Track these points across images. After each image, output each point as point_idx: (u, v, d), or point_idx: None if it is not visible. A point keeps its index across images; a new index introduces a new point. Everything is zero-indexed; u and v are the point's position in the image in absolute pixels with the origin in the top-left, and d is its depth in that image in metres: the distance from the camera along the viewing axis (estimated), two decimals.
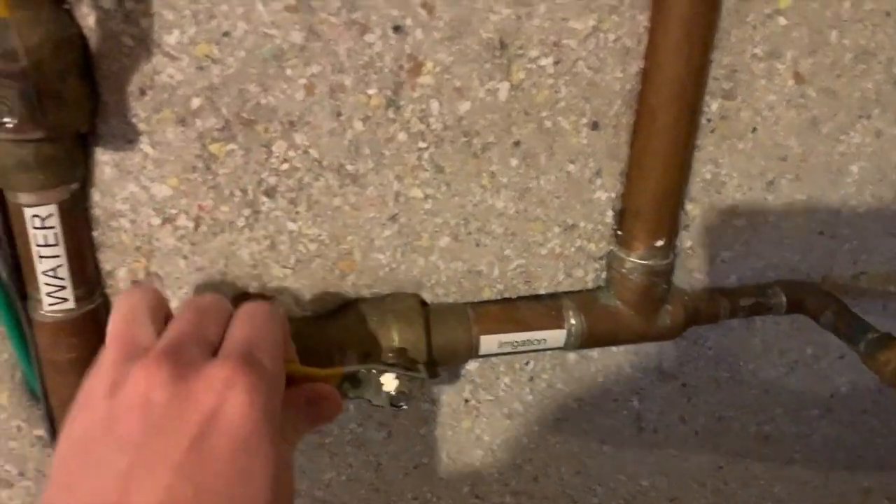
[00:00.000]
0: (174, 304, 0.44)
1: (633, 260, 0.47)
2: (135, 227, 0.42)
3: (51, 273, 0.39)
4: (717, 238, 0.51)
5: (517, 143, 0.44)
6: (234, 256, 0.44)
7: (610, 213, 0.48)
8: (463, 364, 0.52)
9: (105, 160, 0.40)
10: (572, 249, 0.49)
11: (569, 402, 0.56)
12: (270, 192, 0.42)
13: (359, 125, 0.42)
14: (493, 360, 0.53)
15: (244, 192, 0.42)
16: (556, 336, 0.47)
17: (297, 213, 0.43)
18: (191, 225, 0.43)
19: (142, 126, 0.39)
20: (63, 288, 0.40)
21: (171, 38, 0.38)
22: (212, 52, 0.38)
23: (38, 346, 0.41)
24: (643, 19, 0.42)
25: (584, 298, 0.49)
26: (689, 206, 0.49)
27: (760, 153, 0.49)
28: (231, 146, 0.41)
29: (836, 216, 0.52)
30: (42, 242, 0.38)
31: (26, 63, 0.32)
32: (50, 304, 0.40)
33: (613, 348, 0.55)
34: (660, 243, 0.46)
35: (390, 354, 0.43)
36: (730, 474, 0.64)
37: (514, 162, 0.45)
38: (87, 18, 0.36)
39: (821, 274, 0.55)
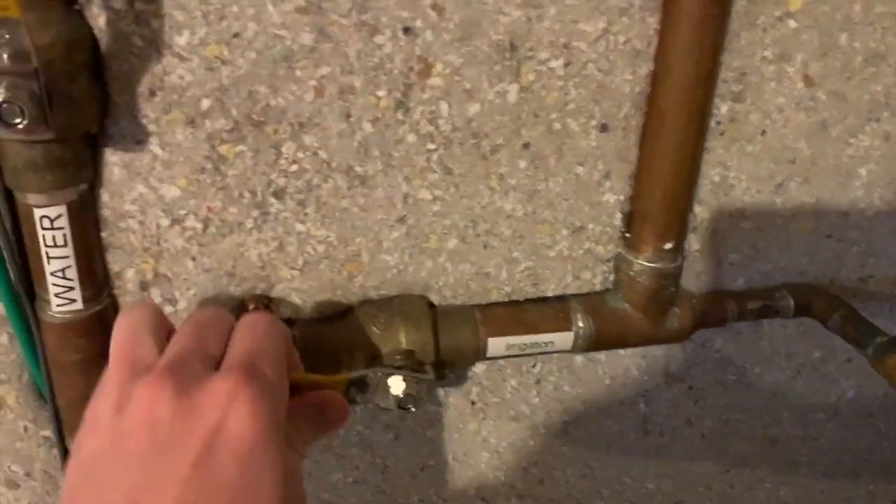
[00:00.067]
0: (182, 306, 0.44)
1: (642, 262, 0.46)
2: (143, 228, 0.42)
3: (59, 274, 0.39)
4: (725, 241, 0.51)
5: (526, 145, 0.44)
6: (242, 258, 0.44)
7: (618, 216, 0.48)
8: (470, 366, 0.52)
9: (114, 161, 0.40)
10: (580, 252, 0.49)
11: (575, 405, 0.56)
12: (279, 194, 0.42)
13: (368, 127, 0.42)
14: (500, 363, 0.53)
15: (253, 193, 0.42)
16: (563, 339, 0.47)
17: (305, 214, 0.43)
18: (199, 226, 0.42)
19: (151, 127, 0.39)
20: (71, 289, 0.40)
21: (181, 39, 0.38)
22: (222, 54, 0.38)
23: (46, 347, 0.41)
24: (653, 21, 0.42)
25: (591, 301, 0.48)
26: (697, 209, 0.49)
27: (769, 156, 0.49)
28: (240, 147, 0.41)
29: (845, 219, 0.52)
30: (51, 243, 0.38)
31: (37, 64, 0.32)
32: (58, 305, 0.40)
33: (620, 351, 0.55)
34: (668, 246, 0.46)
35: (398, 356, 0.43)
36: (736, 478, 0.64)
37: (522, 164, 0.45)
38: (98, 19, 0.36)
39: (829, 277, 0.55)
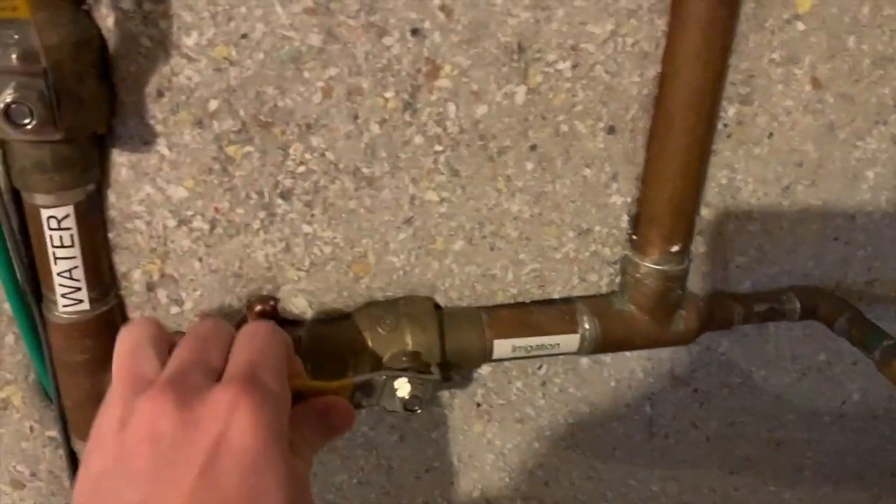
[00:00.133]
0: (188, 306, 0.44)
1: (648, 265, 0.46)
2: (150, 229, 0.42)
3: (66, 274, 0.39)
4: (732, 243, 0.51)
5: (533, 147, 0.44)
6: (248, 259, 0.44)
7: (625, 218, 0.48)
8: (476, 368, 0.52)
9: (121, 161, 0.40)
10: (587, 254, 0.48)
11: (581, 407, 0.56)
12: (286, 195, 0.42)
13: (375, 128, 0.42)
14: (506, 365, 0.53)
15: (260, 194, 0.42)
16: (569, 341, 0.47)
17: (312, 215, 0.43)
18: (206, 227, 0.42)
19: (159, 128, 0.39)
20: (78, 289, 0.40)
21: (189, 40, 0.38)
22: (230, 54, 0.38)
23: (52, 347, 0.41)
24: (661, 24, 0.42)
25: (598, 303, 0.48)
26: (704, 211, 0.49)
27: (776, 158, 0.48)
28: (248, 148, 0.41)
29: (852, 222, 0.52)
30: (58, 244, 0.38)
31: (46, 64, 0.32)
32: (65, 306, 0.40)
33: (626, 353, 0.54)
34: (675, 248, 0.46)
35: (404, 358, 0.43)
36: (740, 480, 0.64)
37: (529, 166, 0.45)
38: (106, 19, 0.36)
39: (835, 280, 0.54)
